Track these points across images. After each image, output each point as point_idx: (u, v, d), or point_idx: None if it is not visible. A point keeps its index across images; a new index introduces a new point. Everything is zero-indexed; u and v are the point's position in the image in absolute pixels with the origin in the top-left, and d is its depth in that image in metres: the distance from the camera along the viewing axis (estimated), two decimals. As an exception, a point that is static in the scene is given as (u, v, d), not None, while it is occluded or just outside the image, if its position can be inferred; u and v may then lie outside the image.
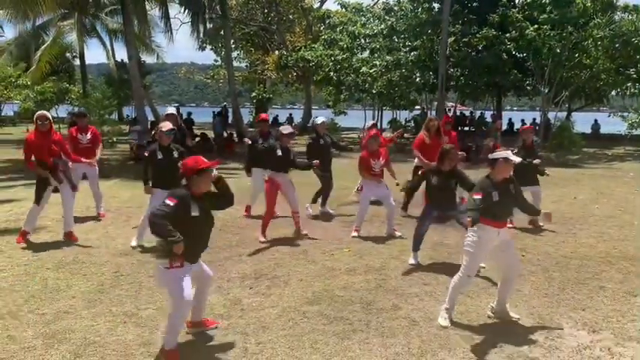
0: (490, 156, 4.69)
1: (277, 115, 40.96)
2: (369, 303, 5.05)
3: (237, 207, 8.72)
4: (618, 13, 21.30)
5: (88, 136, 8.43)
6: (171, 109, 8.05)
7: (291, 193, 7.39)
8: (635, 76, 22.53)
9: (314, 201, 8.97)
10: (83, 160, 8.07)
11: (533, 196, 8.00)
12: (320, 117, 9.89)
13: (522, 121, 26.94)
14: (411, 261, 6.24)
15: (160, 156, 6.46)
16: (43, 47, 26.84)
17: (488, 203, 4.41)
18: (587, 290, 5.45)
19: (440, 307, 4.75)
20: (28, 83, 24.84)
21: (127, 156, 17.23)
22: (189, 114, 26.15)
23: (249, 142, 8.80)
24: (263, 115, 9.53)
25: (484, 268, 5.78)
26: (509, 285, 4.72)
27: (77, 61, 32.42)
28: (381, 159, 7.52)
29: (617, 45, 19.48)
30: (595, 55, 19.66)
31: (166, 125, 6.64)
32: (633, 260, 6.47)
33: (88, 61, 31.49)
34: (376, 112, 28.62)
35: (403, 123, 25.90)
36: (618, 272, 6.02)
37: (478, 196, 4.43)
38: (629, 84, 22.85)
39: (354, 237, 7.38)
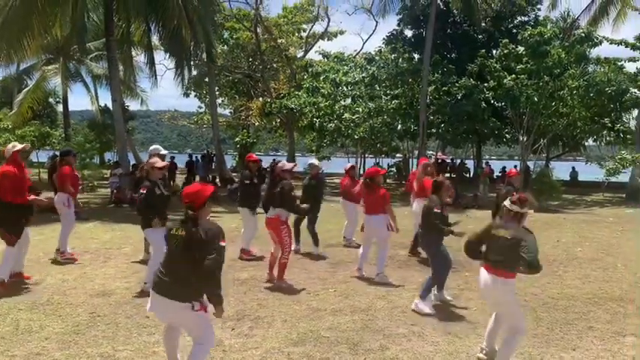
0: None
1: (261, 161, 40.90)
2: (356, 344, 4.90)
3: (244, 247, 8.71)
4: (591, 64, 22.05)
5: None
6: (164, 151, 7.99)
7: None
8: (609, 124, 23.23)
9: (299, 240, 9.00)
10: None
11: None
12: (314, 160, 10.10)
13: (504, 168, 27.36)
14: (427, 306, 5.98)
15: (158, 191, 6.33)
16: (25, 91, 26.80)
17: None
18: (576, 330, 5.38)
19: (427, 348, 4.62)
20: (9, 127, 24.66)
21: (107, 200, 17.01)
22: (173, 158, 26.06)
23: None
24: (254, 157, 9.42)
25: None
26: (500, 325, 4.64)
27: (60, 107, 32.41)
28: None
29: (591, 94, 20.08)
30: (571, 104, 20.22)
31: (158, 161, 6.61)
32: (619, 301, 6.43)
33: (71, 108, 31.52)
34: (359, 159, 28.88)
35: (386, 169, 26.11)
36: (605, 313, 5.97)
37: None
38: (604, 132, 23.54)
39: (355, 277, 7.31)
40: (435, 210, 6.01)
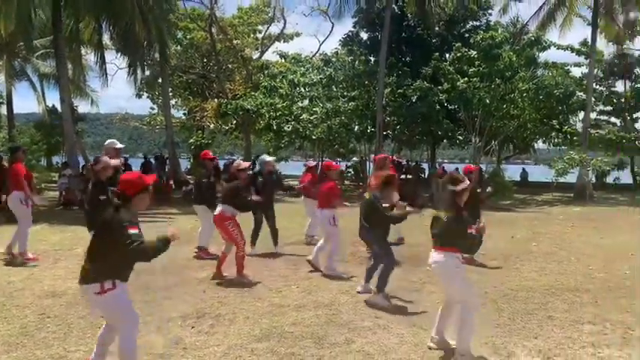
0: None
1: (217, 163, 40.32)
2: (321, 338, 4.80)
3: (175, 248, 8.46)
4: (540, 68, 22.81)
5: None
6: (119, 144, 7.70)
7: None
8: (557, 126, 24.08)
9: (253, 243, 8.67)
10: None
11: None
12: (266, 155, 9.86)
13: (457, 169, 27.84)
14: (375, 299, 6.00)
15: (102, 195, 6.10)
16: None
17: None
18: (537, 320, 5.46)
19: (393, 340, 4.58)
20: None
21: (56, 202, 16.34)
22: (126, 159, 25.33)
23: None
24: (209, 154, 9.20)
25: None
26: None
27: (3, 109, 30.94)
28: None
29: (540, 97, 20.76)
30: (521, 106, 20.81)
31: (110, 161, 6.43)
32: (575, 291, 6.59)
33: (16, 110, 30.13)
34: (316, 162, 28.84)
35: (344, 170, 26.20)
36: (563, 302, 6.10)
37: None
38: (552, 134, 24.37)
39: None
40: (384, 204, 6.01)
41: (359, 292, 6.21)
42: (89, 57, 24.36)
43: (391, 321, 5.28)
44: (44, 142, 26.49)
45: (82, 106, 32.32)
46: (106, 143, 7.55)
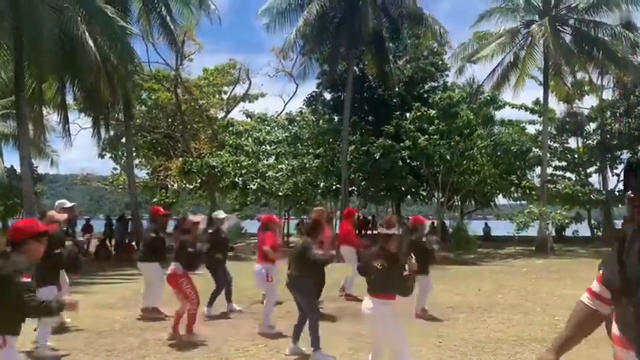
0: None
1: (199, 222, 39.76)
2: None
3: (134, 309, 8.22)
4: (497, 126, 23.74)
5: None
6: (69, 203, 7.58)
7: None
8: (516, 181, 24.85)
9: (210, 304, 8.29)
10: None
11: (421, 285, 7.77)
12: (220, 211, 9.64)
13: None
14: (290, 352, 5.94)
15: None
16: None
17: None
18: (507, 371, 5.46)
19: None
20: None
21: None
22: (88, 220, 24.75)
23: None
24: (162, 210, 9.07)
25: None
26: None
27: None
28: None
29: (498, 153, 21.52)
30: (481, 162, 21.49)
31: (56, 215, 6.34)
32: (543, 342, 6.61)
33: (-29, 170, 29.30)
34: (283, 219, 28.74)
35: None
36: (531, 353, 6.12)
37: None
38: (512, 188, 25.10)
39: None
40: (313, 249, 5.90)
41: (286, 355, 5.97)
42: (51, 117, 24.14)
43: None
44: (1, 204, 25.71)
45: (42, 167, 31.65)
46: (56, 204, 7.46)
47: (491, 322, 7.84)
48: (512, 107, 25.91)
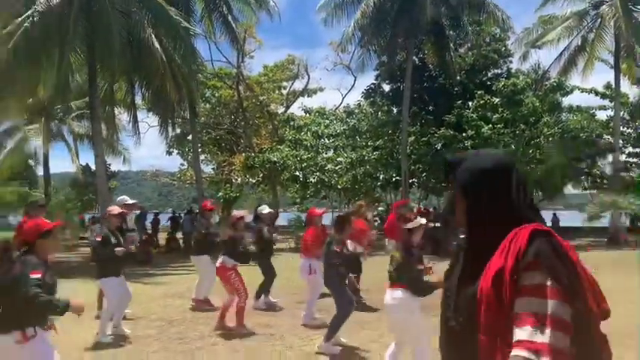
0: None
1: (243, 217, 40.89)
2: (353, 384, 4.80)
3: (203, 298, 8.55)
4: (564, 113, 22.85)
5: None
6: (130, 200, 8.02)
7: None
8: (586, 170, 23.83)
9: (259, 296, 8.47)
10: None
11: None
12: (265, 207, 9.87)
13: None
14: (325, 349, 5.82)
15: (113, 240, 6.36)
16: (5, 151, 26.67)
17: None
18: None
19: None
20: (-13, 188, 24.36)
21: (89, 257, 16.66)
22: (157, 214, 25.91)
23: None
24: (209, 205, 9.37)
25: None
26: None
27: (39, 170, 32.15)
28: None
29: (567, 141, 20.70)
30: (548, 151, 20.77)
31: (115, 208, 6.68)
32: (609, 335, 6.40)
33: (50, 170, 31.30)
34: (342, 211, 28.96)
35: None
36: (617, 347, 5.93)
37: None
38: (581, 177, 24.10)
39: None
40: (335, 249, 5.94)
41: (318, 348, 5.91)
42: (122, 116, 25.35)
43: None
44: (78, 200, 27.28)
45: (115, 164, 33.36)
46: (117, 200, 7.84)
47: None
48: (582, 92, 24.80)
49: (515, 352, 1.30)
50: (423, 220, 4.76)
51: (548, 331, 1.29)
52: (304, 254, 7.59)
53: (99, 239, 6.54)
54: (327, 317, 6.42)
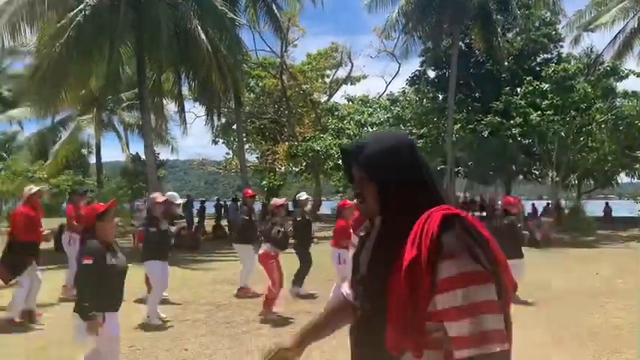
0: None
1: (287, 204, 41.47)
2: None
3: (251, 285, 8.72)
4: (619, 98, 21.90)
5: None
6: (179, 200, 8.25)
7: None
8: (642, 158, 22.86)
9: (295, 283, 8.46)
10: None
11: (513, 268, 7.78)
12: (304, 193, 9.85)
13: (533, 205, 26.97)
14: None
15: (162, 226, 6.57)
16: (60, 142, 27.77)
17: None
18: (624, 358, 5.20)
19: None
20: (45, 176, 25.47)
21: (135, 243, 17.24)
22: (203, 202, 26.52)
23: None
24: (251, 192, 9.47)
25: None
26: None
27: (92, 158, 33.34)
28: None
29: (621, 127, 19.88)
30: (600, 138, 20.04)
31: (159, 196, 6.86)
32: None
33: (103, 159, 32.40)
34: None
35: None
36: (654, 341, 5.76)
37: None
38: (636, 165, 23.11)
39: None
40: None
41: None
42: (169, 107, 25.95)
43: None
44: (128, 188, 28.16)
45: (163, 153, 34.25)
46: (167, 194, 8.02)
47: (610, 308, 7.41)
48: (638, 76, 23.67)
49: (460, 352, 1.25)
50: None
51: (483, 317, 1.24)
52: (334, 244, 7.64)
53: (144, 224, 6.84)
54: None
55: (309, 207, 9.04)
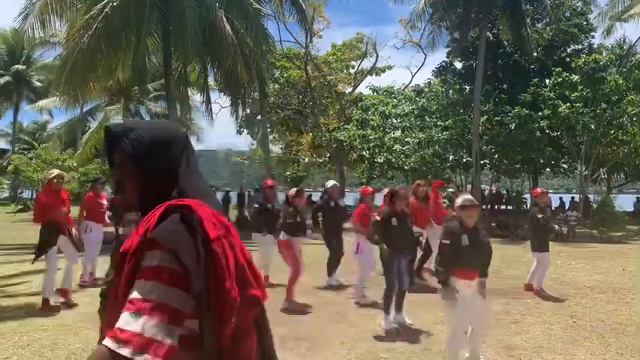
0: (456, 201, 4.71)
1: (311, 195, 41.82)
2: (415, 365, 4.83)
3: (272, 273, 8.77)
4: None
5: (104, 201, 8.79)
6: None
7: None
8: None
9: (330, 273, 8.54)
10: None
11: (538, 262, 7.89)
12: (331, 180, 9.87)
13: (560, 199, 26.54)
14: (384, 326, 5.92)
15: None
16: (89, 131, 28.30)
17: (457, 249, 4.42)
18: (649, 356, 5.11)
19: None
20: (74, 165, 26.02)
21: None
22: (228, 192, 26.75)
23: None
24: (270, 182, 9.38)
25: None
26: (476, 335, 4.66)
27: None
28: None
29: (653, 121, 19.34)
30: (631, 131, 19.53)
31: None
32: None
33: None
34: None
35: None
36: (680, 339, 5.64)
37: (446, 242, 4.52)
38: (669, 160, 22.49)
39: (356, 303, 7.23)
40: (376, 217, 6.19)
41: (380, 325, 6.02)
42: (195, 97, 26.19)
43: (487, 350, 5.18)
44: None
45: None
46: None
47: (635, 305, 7.28)
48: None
49: (105, 341, 1.16)
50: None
51: (144, 318, 1.15)
52: (354, 232, 7.67)
53: None
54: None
55: (336, 195, 8.87)
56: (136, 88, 25.08)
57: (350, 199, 33.66)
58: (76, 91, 17.02)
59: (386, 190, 6.90)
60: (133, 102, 29.70)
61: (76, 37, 15.51)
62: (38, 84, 29.33)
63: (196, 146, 35.66)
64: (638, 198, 29.14)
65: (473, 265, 4.52)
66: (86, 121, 30.49)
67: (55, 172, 7.16)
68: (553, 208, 23.69)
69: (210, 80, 22.21)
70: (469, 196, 4.65)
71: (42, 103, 27.44)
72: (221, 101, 31.58)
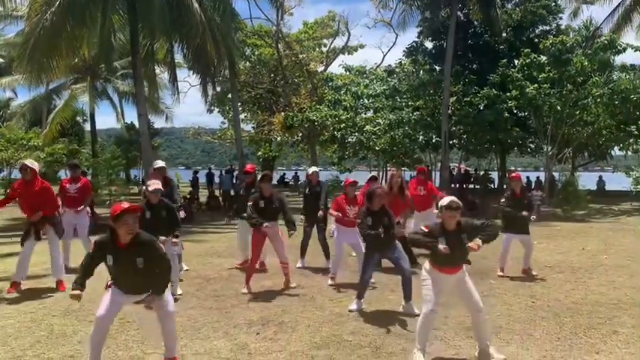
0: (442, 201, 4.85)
1: (284, 174, 41.87)
2: (379, 347, 4.96)
3: (241, 258, 8.83)
4: (615, 72, 21.76)
5: (78, 185, 8.64)
6: (161, 163, 8.18)
7: (278, 243, 7.27)
8: (636, 132, 22.81)
9: (302, 256, 8.78)
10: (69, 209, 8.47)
11: (523, 244, 8.25)
12: (313, 167, 9.95)
13: (527, 178, 27.10)
14: (352, 307, 6.15)
15: (147, 215, 6.25)
16: (55, 110, 27.60)
17: (434, 251, 4.63)
18: (600, 335, 5.35)
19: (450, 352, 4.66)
20: (39, 145, 25.39)
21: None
22: (196, 172, 26.54)
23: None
24: (248, 168, 9.29)
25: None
26: (478, 324, 4.74)
27: (87, 125, 33.19)
28: (356, 207, 7.42)
29: (616, 102, 19.81)
30: (595, 112, 19.99)
31: (153, 184, 6.50)
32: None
33: (97, 126, 32.22)
34: (381, 172, 28.88)
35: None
36: (631, 318, 5.91)
37: (424, 229, 4.78)
38: (630, 140, 23.11)
39: (330, 285, 7.38)
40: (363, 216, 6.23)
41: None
42: (163, 75, 25.71)
43: (449, 333, 5.36)
44: (123, 157, 28.18)
45: (158, 122, 34.07)
46: (154, 163, 8.09)
47: (592, 284, 7.57)
48: (636, 50, 23.46)
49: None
50: None
51: None
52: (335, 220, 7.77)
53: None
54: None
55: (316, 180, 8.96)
56: (102, 66, 24.51)
57: (322, 177, 33.71)
58: (38, 68, 16.51)
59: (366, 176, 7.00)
60: (99, 80, 29.02)
61: (38, 12, 15.01)
62: (0, 60, 28.36)
63: (165, 124, 35.15)
64: (600, 177, 30.02)
65: (452, 265, 4.68)
66: (51, 99, 29.68)
67: (21, 163, 7.14)
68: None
69: (180, 58, 21.84)
70: (455, 199, 4.75)
71: (4, 80, 26.51)
72: (191, 80, 31.09)
